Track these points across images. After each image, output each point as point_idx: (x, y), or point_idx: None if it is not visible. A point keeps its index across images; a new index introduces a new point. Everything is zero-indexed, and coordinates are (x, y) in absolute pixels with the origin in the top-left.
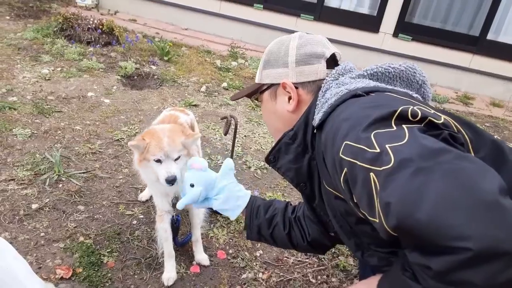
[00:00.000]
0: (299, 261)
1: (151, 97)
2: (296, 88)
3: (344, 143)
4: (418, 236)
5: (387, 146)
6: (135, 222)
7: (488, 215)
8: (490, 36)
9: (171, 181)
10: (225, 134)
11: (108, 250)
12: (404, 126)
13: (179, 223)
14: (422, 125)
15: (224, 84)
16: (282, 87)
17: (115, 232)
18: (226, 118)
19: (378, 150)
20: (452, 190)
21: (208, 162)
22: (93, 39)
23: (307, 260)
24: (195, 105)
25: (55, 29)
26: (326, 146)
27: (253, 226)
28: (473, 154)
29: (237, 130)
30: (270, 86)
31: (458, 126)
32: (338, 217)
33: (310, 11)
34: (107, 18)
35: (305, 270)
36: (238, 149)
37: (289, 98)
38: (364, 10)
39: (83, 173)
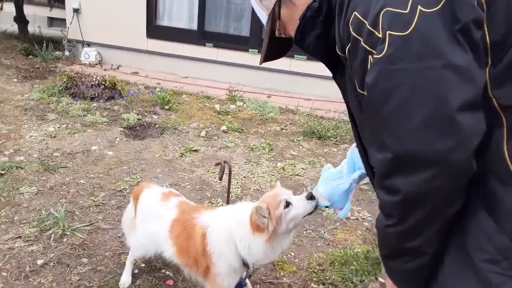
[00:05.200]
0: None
1: (153, 146)
2: None
3: (353, 13)
4: (375, 125)
5: (388, 33)
6: (136, 271)
7: (440, 127)
8: None
9: (312, 196)
10: (220, 179)
11: None
12: (418, 9)
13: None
14: (441, 4)
15: (223, 128)
16: None
17: (117, 283)
18: (220, 164)
19: (380, 36)
20: (416, 99)
21: (208, 205)
22: (96, 94)
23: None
24: (195, 150)
25: (60, 88)
26: (342, 8)
27: None
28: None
29: (232, 174)
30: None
31: None
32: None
33: (303, 52)
34: (109, 74)
35: None
36: (237, 190)
37: None
38: None
39: (87, 226)
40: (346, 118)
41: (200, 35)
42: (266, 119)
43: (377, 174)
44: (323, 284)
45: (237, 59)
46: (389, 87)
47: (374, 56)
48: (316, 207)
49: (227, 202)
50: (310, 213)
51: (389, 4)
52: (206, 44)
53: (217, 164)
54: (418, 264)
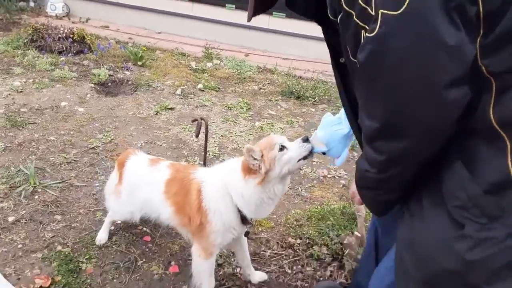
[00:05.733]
0: (275, 253)
1: (126, 103)
2: None
3: None
4: (366, 94)
5: (380, 11)
6: (112, 227)
7: (427, 103)
8: None
9: (307, 139)
10: (197, 136)
11: (86, 257)
12: None
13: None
14: None
15: (200, 86)
16: None
17: (93, 239)
18: (196, 121)
19: (373, 13)
20: (406, 76)
21: (185, 163)
22: (64, 48)
23: (283, 252)
24: (170, 108)
25: (25, 41)
26: None
27: None
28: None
29: (209, 133)
30: None
31: None
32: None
33: (282, 8)
34: (78, 27)
35: (281, 262)
36: (215, 149)
37: None
38: None
39: (59, 183)
40: (324, 78)
41: None
42: (244, 78)
43: (364, 136)
44: (300, 238)
45: (213, 14)
46: (380, 66)
47: (366, 34)
48: (312, 151)
49: (204, 161)
50: (305, 157)
51: None
52: None
53: (193, 121)
54: (388, 197)
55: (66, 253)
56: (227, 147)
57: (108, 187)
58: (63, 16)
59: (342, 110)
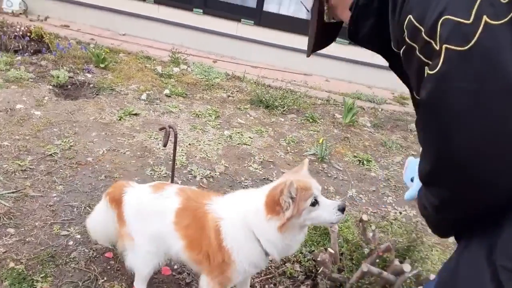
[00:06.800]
0: None
1: (87, 107)
2: None
3: (408, 16)
4: (424, 134)
5: (444, 46)
6: (71, 243)
7: (490, 152)
8: None
9: (344, 209)
10: (165, 146)
11: (41, 275)
12: (483, 18)
13: None
14: None
15: (166, 91)
16: None
17: (49, 255)
18: (164, 129)
19: (437, 48)
20: (468, 121)
21: (151, 173)
22: (20, 47)
23: None
24: (135, 114)
25: None
26: (395, 4)
27: None
28: None
29: (178, 140)
30: None
31: None
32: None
33: (251, 16)
34: (36, 25)
35: (252, 280)
36: (182, 158)
37: None
38: (303, 15)
39: (12, 192)
40: (293, 88)
41: None
42: (212, 85)
43: (419, 177)
44: None
45: (180, 18)
46: (441, 107)
47: (428, 71)
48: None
49: (172, 171)
50: (331, 223)
51: (449, 10)
52: None
53: (161, 129)
54: (448, 227)
55: (20, 270)
56: (195, 156)
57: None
58: (20, 13)
59: None
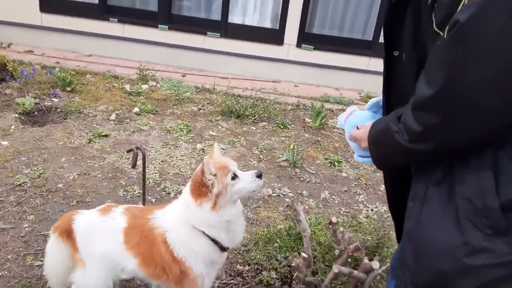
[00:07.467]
0: (224, 283)
1: (55, 133)
2: None
3: None
4: (442, 61)
5: None
6: (37, 263)
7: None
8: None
9: (261, 175)
10: (133, 167)
11: None
12: None
13: None
14: None
15: (136, 109)
16: None
17: (24, 287)
18: (132, 151)
19: None
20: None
21: (124, 194)
22: None
23: (232, 281)
24: (105, 135)
25: None
26: None
27: None
28: None
29: (148, 159)
30: None
31: None
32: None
33: (216, 28)
34: None
35: None
36: (155, 176)
37: None
38: (267, 24)
39: None
40: (263, 96)
41: (102, 9)
42: (182, 99)
43: (413, 101)
44: (249, 264)
45: (146, 35)
46: (474, 32)
47: None
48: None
49: (143, 192)
50: (254, 191)
51: None
52: (110, 19)
53: (129, 151)
54: (399, 163)
55: None
56: (169, 173)
57: (50, 268)
58: None
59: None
